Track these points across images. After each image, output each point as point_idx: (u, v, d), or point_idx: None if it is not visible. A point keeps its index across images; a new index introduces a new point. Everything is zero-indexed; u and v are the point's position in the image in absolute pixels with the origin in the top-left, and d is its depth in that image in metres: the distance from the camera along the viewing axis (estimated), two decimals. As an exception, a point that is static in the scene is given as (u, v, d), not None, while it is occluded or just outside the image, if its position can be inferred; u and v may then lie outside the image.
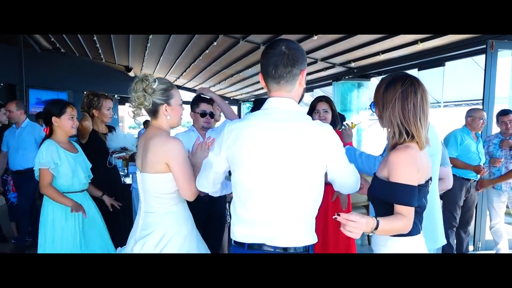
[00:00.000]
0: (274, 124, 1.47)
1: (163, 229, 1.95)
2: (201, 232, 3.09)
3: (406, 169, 1.51)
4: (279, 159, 1.46)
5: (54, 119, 2.71)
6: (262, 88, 10.53)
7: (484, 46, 4.13)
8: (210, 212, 3.06)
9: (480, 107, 4.25)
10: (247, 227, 1.53)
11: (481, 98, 4.26)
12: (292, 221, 1.49)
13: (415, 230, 1.58)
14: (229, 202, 2.02)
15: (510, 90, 4.50)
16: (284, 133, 1.46)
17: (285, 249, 1.49)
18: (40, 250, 2.65)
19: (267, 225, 1.49)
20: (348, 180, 1.64)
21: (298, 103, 1.59)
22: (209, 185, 1.75)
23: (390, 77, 1.63)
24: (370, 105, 1.74)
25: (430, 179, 1.65)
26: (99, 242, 2.79)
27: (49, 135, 2.77)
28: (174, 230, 1.96)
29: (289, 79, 1.49)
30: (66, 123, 2.72)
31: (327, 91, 8.41)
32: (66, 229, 2.65)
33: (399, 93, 1.56)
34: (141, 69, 10.91)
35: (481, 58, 4.65)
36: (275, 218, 1.49)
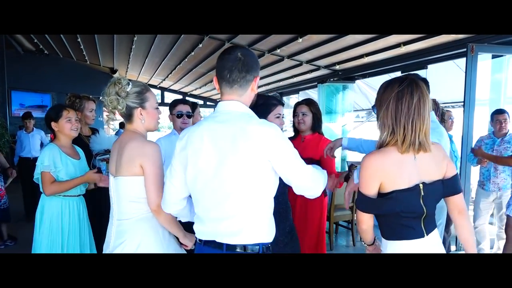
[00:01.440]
0: (217, 126, 1.54)
1: (139, 236, 1.86)
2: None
3: (365, 176, 1.59)
4: (221, 158, 1.51)
5: (53, 124, 2.72)
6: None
7: (465, 49, 4.20)
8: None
9: (451, 109, 4.35)
10: (201, 224, 1.61)
11: (463, 100, 4.35)
12: (240, 218, 1.53)
13: (410, 234, 1.60)
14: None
15: (490, 93, 4.59)
16: (225, 133, 1.51)
17: (236, 246, 1.53)
18: (35, 250, 2.64)
19: (215, 222, 1.56)
20: (302, 181, 1.58)
21: (250, 107, 1.63)
22: (176, 200, 1.69)
23: (394, 78, 1.65)
24: (372, 107, 1.74)
25: (420, 184, 1.58)
26: (86, 246, 2.80)
27: (54, 140, 2.79)
28: (152, 238, 1.87)
29: (242, 84, 1.56)
30: (64, 126, 2.71)
31: (312, 93, 8.46)
32: (62, 230, 2.65)
33: (394, 93, 1.55)
34: (126, 71, 10.84)
35: (462, 61, 4.74)
36: (222, 215, 1.54)
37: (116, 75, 11.34)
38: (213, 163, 1.52)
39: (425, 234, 1.62)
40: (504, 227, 4.29)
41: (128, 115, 1.92)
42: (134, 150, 1.83)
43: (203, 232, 1.60)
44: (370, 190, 1.59)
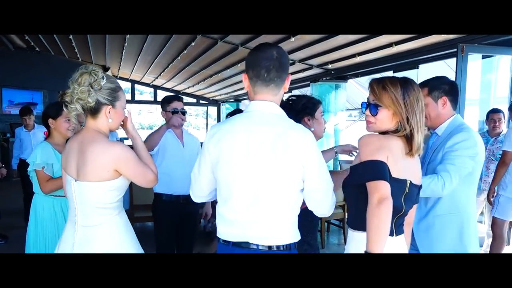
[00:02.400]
0: (253, 127, 1.52)
1: (107, 243, 1.78)
2: (175, 234, 3.11)
3: (371, 147, 1.53)
4: (257, 161, 1.50)
5: (50, 121, 2.69)
6: (242, 89, 10.57)
7: (455, 49, 4.23)
8: (183, 214, 3.07)
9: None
10: (229, 226, 1.58)
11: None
12: (272, 220, 1.54)
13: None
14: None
15: (481, 93, 4.64)
16: (262, 135, 1.50)
17: (269, 247, 1.54)
18: (28, 250, 2.62)
19: (247, 224, 1.55)
20: (322, 193, 1.58)
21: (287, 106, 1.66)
22: (204, 193, 1.73)
23: (397, 79, 1.63)
24: (369, 108, 1.65)
25: (408, 181, 1.57)
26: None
27: (48, 137, 2.76)
28: (120, 243, 1.81)
29: (278, 83, 1.56)
30: (62, 125, 2.68)
31: (305, 92, 8.47)
32: (54, 230, 2.62)
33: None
34: (119, 69, 10.78)
35: (453, 61, 4.78)
36: (254, 217, 1.54)
37: (108, 73, 11.25)
38: (248, 165, 1.51)
39: (394, 234, 1.58)
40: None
41: (94, 110, 1.77)
42: (105, 155, 1.71)
43: (231, 234, 1.58)
44: (382, 157, 1.50)
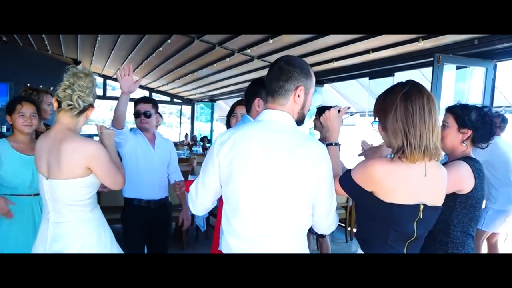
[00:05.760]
0: (269, 135, 1.45)
1: (81, 239, 1.80)
2: (146, 239, 2.99)
3: (362, 176, 1.50)
4: (275, 170, 1.43)
5: (7, 117, 2.54)
6: (217, 89, 10.47)
7: (431, 59, 4.29)
8: (155, 220, 2.96)
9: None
10: (241, 241, 1.48)
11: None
12: (285, 236, 1.47)
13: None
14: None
15: (454, 101, 4.69)
16: (280, 145, 1.44)
17: None
18: None
19: (262, 239, 1.46)
20: (328, 208, 1.55)
21: (296, 121, 1.57)
22: (209, 205, 1.64)
23: (392, 85, 1.56)
24: (372, 123, 1.61)
25: (421, 205, 1.47)
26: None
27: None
28: (94, 239, 1.82)
29: (282, 93, 1.51)
30: (16, 121, 2.52)
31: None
32: (13, 231, 2.48)
33: (401, 95, 1.45)
34: (91, 63, 10.48)
35: (427, 71, 4.85)
36: (270, 231, 1.46)
37: (79, 67, 10.93)
38: (266, 174, 1.43)
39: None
40: None
41: (82, 111, 1.82)
42: (80, 152, 1.74)
43: (241, 249, 1.49)
44: (362, 186, 1.49)
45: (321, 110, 3.82)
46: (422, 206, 1.46)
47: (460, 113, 1.95)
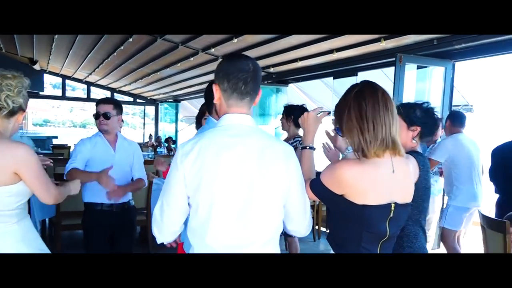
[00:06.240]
0: (235, 140, 1.39)
1: (7, 250, 1.65)
2: (109, 247, 2.86)
3: (331, 179, 1.47)
4: (245, 177, 1.37)
5: None
6: (181, 89, 10.31)
7: (393, 59, 4.38)
8: (118, 225, 2.84)
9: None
10: (209, 251, 1.40)
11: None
12: (257, 244, 1.41)
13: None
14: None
15: (415, 100, 4.78)
16: (248, 149, 1.38)
17: None
18: None
19: (234, 250, 1.39)
20: (302, 210, 1.51)
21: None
22: (177, 227, 1.50)
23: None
24: (337, 131, 1.62)
25: (392, 204, 1.47)
26: None
27: None
28: (23, 250, 1.69)
29: (253, 96, 1.47)
30: None
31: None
32: None
33: (353, 94, 1.46)
34: (48, 63, 10.09)
35: (390, 71, 4.94)
36: (243, 241, 1.39)
37: (36, 67, 10.48)
38: (237, 183, 1.36)
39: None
40: (430, 233, 4.53)
41: (11, 113, 1.70)
42: (6, 155, 1.62)
43: None
44: (332, 189, 1.48)
45: (288, 109, 3.82)
46: (393, 205, 1.47)
47: (405, 112, 1.99)
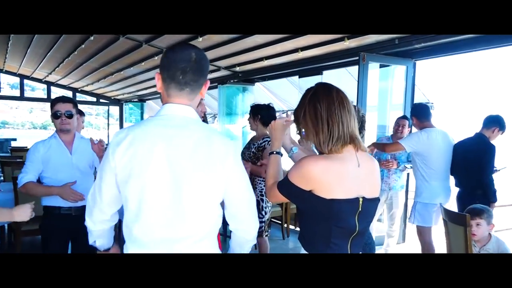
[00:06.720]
0: (171, 131, 1.35)
1: None
2: (68, 249, 2.77)
3: (298, 175, 1.50)
4: (179, 169, 1.33)
5: None
6: (146, 89, 10.11)
7: (357, 58, 4.46)
8: (77, 229, 2.75)
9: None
10: (142, 248, 1.37)
11: (355, 105, 4.61)
12: (190, 240, 1.37)
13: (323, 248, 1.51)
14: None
15: (379, 98, 4.93)
16: (183, 141, 1.35)
17: None
18: None
19: (166, 244, 1.35)
20: (247, 207, 1.49)
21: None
22: (107, 216, 1.48)
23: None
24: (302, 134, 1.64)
25: (360, 198, 1.50)
26: None
27: None
28: None
29: (194, 87, 1.42)
30: None
31: (213, 94, 8.36)
32: None
33: (308, 98, 1.54)
34: (4, 62, 9.65)
35: (354, 70, 5.03)
36: (175, 235, 1.35)
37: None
38: (168, 175, 1.32)
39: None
40: (395, 227, 4.62)
41: None
42: None
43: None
44: (300, 186, 1.50)
45: (255, 108, 3.80)
46: (361, 199, 1.50)
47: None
